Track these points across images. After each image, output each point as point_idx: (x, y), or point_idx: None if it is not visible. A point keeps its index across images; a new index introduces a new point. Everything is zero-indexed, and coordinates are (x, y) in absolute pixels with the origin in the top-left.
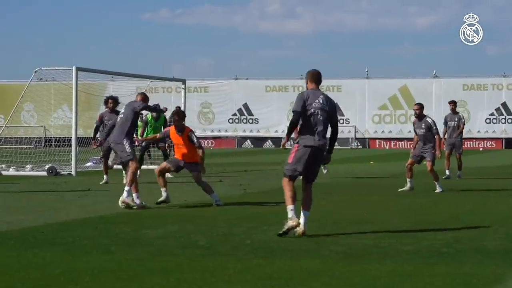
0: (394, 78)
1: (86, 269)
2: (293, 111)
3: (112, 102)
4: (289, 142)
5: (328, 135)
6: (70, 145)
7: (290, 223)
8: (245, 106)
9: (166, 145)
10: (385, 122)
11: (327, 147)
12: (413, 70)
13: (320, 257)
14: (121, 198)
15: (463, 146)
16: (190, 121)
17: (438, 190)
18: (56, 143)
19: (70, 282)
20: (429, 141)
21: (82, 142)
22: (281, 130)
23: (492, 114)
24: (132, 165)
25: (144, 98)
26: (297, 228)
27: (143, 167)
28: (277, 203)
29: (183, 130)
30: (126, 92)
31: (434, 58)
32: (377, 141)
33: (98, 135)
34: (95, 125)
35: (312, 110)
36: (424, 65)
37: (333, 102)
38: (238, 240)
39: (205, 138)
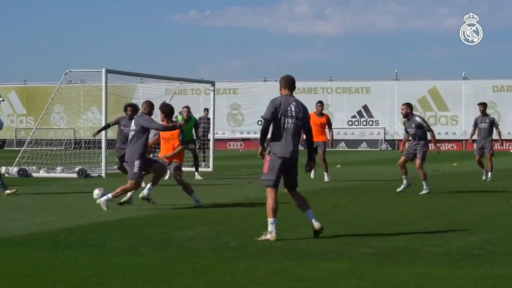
0: (423, 79)
1: (117, 271)
2: (263, 119)
3: (131, 110)
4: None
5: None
6: (100, 147)
7: (268, 236)
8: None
9: (197, 146)
10: None
11: (308, 154)
12: (443, 71)
13: (350, 259)
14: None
15: (493, 148)
16: (219, 123)
17: (425, 191)
18: (86, 145)
19: (100, 284)
20: (420, 138)
21: (112, 144)
22: None
23: None
24: (129, 184)
25: (149, 106)
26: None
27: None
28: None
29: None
30: (155, 94)
31: (463, 60)
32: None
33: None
34: (107, 123)
35: (283, 118)
36: (454, 67)
37: (306, 109)
38: (268, 242)
39: (234, 140)
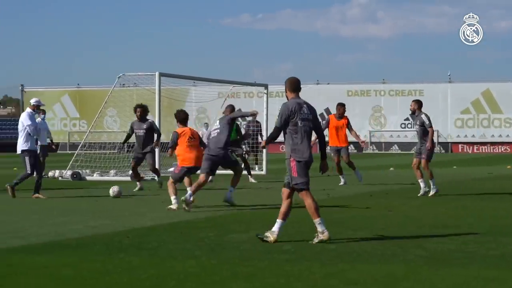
0: (477, 82)
1: (172, 273)
2: (276, 126)
3: (141, 111)
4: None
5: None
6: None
7: (321, 236)
8: (327, 110)
9: (244, 151)
10: (467, 126)
11: (321, 155)
12: (496, 73)
13: (404, 262)
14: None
15: None
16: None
17: (433, 191)
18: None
19: (155, 286)
20: (423, 136)
21: (164, 147)
22: (363, 135)
23: None
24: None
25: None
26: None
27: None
28: (361, 208)
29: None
30: (208, 97)
31: None
32: (459, 145)
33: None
34: (127, 133)
35: (299, 122)
36: (507, 69)
37: (314, 109)
38: (322, 245)
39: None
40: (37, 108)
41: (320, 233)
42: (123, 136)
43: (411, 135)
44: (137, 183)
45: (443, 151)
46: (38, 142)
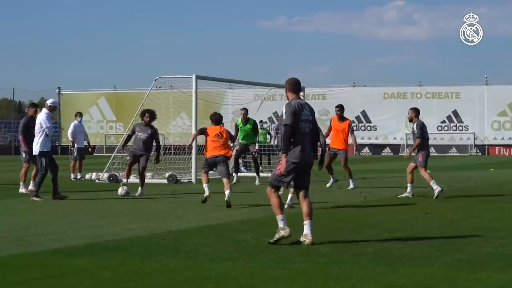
0: None
1: (209, 276)
2: (284, 125)
3: (149, 116)
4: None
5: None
6: (190, 153)
7: (282, 232)
8: (363, 113)
9: (255, 150)
10: (504, 128)
11: (320, 155)
12: None
13: (443, 265)
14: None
15: None
16: None
17: (437, 192)
18: (176, 150)
19: None
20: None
21: (201, 149)
22: (399, 137)
23: None
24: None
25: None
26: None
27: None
28: (398, 210)
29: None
30: (244, 100)
31: None
32: (496, 148)
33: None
34: (127, 134)
35: (301, 123)
36: None
37: (313, 110)
38: (360, 248)
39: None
40: (53, 109)
41: (281, 229)
42: (160, 138)
43: (447, 138)
44: (125, 182)
45: (479, 154)
46: (76, 144)
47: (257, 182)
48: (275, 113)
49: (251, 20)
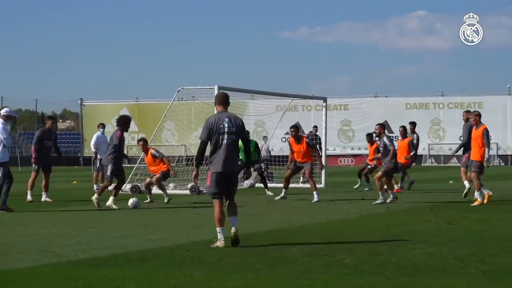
0: None
1: (233, 287)
2: (200, 139)
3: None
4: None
5: None
6: None
7: (217, 243)
8: (385, 123)
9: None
10: None
11: (246, 163)
12: None
13: (466, 276)
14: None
15: None
16: (330, 139)
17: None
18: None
19: None
20: (383, 155)
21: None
22: (422, 148)
23: None
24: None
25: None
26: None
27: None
28: (422, 221)
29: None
30: (266, 110)
31: None
32: None
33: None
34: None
35: (217, 136)
36: None
37: (239, 122)
38: (384, 259)
39: (345, 156)
40: (8, 119)
41: (218, 240)
42: (182, 149)
43: None
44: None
45: (502, 164)
46: (98, 155)
47: (268, 193)
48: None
49: (273, 31)
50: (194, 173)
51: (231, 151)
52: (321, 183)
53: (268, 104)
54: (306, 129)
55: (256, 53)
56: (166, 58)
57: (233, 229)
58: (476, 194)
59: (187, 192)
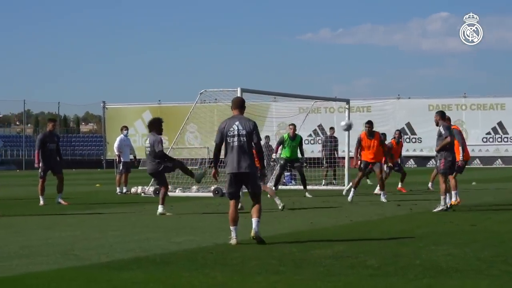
0: None
1: None
2: (214, 142)
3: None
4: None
5: None
6: None
7: (230, 241)
8: (408, 125)
9: (303, 164)
10: None
11: (260, 164)
12: None
13: (490, 277)
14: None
15: None
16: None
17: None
18: (220, 164)
19: None
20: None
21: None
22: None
23: None
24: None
25: None
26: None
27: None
28: (444, 222)
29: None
30: (288, 112)
31: None
32: None
33: None
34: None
35: (228, 138)
36: None
37: (250, 124)
38: (407, 260)
39: None
40: None
41: (231, 238)
42: (205, 151)
43: (493, 149)
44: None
45: None
46: (121, 158)
47: (307, 195)
48: (320, 126)
49: (296, 33)
50: (213, 171)
51: (242, 152)
52: (344, 185)
53: (290, 106)
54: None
55: (279, 56)
56: (189, 61)
57: (252, 232)
58: (453, 193)
59: (210, 194)
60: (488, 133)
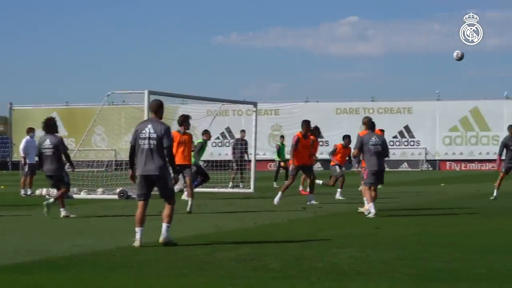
0: (465, 99)
1: None
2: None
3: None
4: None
5: None
6: None
7: (134, 243)
8: (316, 128)
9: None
10: (455, 144)
11: (172, 169)
12: (484, 91)
13: (392, 280)
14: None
15: None
16: (260, 144)
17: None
18: (127, 166)
19: None
20: None
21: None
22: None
23: None
24: None
25: None
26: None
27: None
28: (349, 225)
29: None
30: (197, 115)
31: (505, 79)
32: (447, 163)
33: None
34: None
35: (140, 141)
36: (496, 86)
37: (162, 128)
38: (310, 263)
39: (275, 160)
40: None
41: (136, 239)
42: (112, 153)
43: (399, 153)
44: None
45: (430, 169)
46: (27, 160)
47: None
48: (227, 129)
49: (206, 36)
50: (130, 173)
51: (151, 155)
52: (250, 188)
53: (198, 109)
54: (236, 134)
55: (189, 58)
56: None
57: (160, 238)
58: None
59: (116, 197)
60: (395, 137)
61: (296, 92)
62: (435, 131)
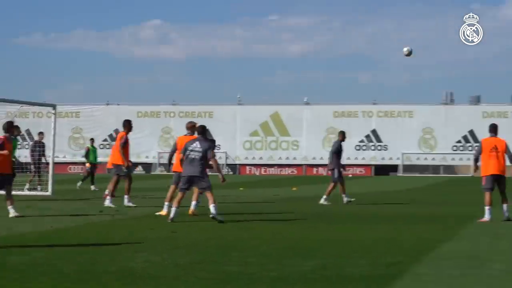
0: (266, 104)
1: None
2: None
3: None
4: None
5: None
6: None
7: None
8: (116, 131)
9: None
10: (256, 148)
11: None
12: (285, 97)
13: (185, 284)
14: None
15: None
16: (60, 146)
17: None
18: None
19: None
20: None
21: None
22: (152, 156)
23: (361, 141)
24: None
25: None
26: None
27: None
28: (144, 229)
29: None
30: None
31: (306, 85)
32: (247, 167)
33: None
34: None
35: None
36: (297, 92)
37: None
38: (104, 267)
39: (75, 163)
40: None
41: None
42: None
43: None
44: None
45: (231, 173)
46: None
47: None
48: (27, 131)
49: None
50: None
51: None
52: (47, 191)
53: None
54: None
55: None
56: None
57: None
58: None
59: None
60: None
61: (97, 95)
62: (235, 136)
